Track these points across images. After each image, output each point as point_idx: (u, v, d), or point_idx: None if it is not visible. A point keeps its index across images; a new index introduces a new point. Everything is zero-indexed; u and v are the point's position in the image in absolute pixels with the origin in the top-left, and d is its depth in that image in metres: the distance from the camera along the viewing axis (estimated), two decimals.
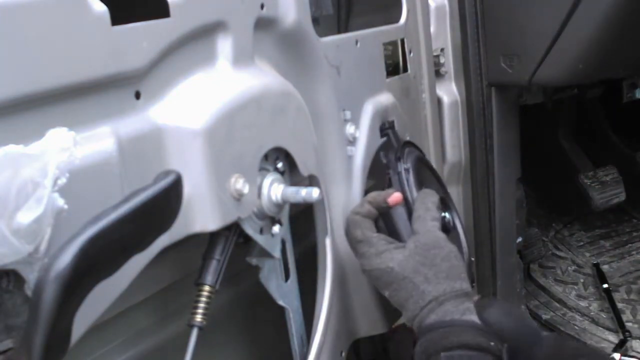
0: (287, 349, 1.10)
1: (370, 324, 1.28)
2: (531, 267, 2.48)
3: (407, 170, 1.17)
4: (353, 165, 1.23)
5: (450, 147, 1.76)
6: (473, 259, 1.29)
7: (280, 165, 1.02)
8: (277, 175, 1.01)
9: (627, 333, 2.10)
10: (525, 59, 1.66)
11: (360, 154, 1.24)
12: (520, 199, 1.97)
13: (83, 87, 0.72)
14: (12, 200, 0.58)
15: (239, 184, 0.89)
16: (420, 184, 1.17)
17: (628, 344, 2.06)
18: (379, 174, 1.28)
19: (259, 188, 0.97)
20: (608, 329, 2.18)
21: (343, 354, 1.21)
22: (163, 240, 0.77)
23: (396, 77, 1.42)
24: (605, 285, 2.34)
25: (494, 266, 1.86)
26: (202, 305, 0.91)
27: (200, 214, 0.85)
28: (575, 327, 2.21)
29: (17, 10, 0.65)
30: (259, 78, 0.98)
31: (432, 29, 1.59)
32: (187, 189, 0.79)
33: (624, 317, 2.18)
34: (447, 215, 1.17)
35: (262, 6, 0.99)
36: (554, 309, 2.31)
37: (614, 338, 2.12)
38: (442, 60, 1.74)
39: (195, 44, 0.88)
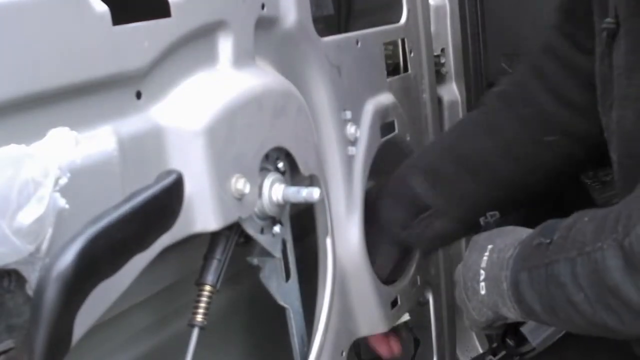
0: (288, 349, 1.10)
1: (370, 324, 1.28)
2: None
3: None
4: (354, 165, 1.23)
5: None
6: None
7: (281, 165, 1.02)
8: (278, 175, 1.00)
9: None
10: None
11: (361, 154, 1.24)
12: None
13: (84, 87, 0.72)
14: (14, 200, 0.58)
15: (240, 183, 0.89)
16: None
17: None
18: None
19: (260, 188, 0.97)
20: None
21: (344, 353, 1.21)
22: (164, 240, 0.77)
23: (397, 77, 1.42)
24: None
25: None
26: (202, 305, 0.91)
27: (202, 214, 0.85)
28: None
29: (18, 10, 0.65)
30: (260, 78, 0.98)
31: (432, 29, 1.59)
32: (188, 189, 0.78)
33: None
34: None
35: (262, 6, 0.99)
36: None
37: None
38: (442, 60, 1.73)
39: (196, 43, 0.88)
